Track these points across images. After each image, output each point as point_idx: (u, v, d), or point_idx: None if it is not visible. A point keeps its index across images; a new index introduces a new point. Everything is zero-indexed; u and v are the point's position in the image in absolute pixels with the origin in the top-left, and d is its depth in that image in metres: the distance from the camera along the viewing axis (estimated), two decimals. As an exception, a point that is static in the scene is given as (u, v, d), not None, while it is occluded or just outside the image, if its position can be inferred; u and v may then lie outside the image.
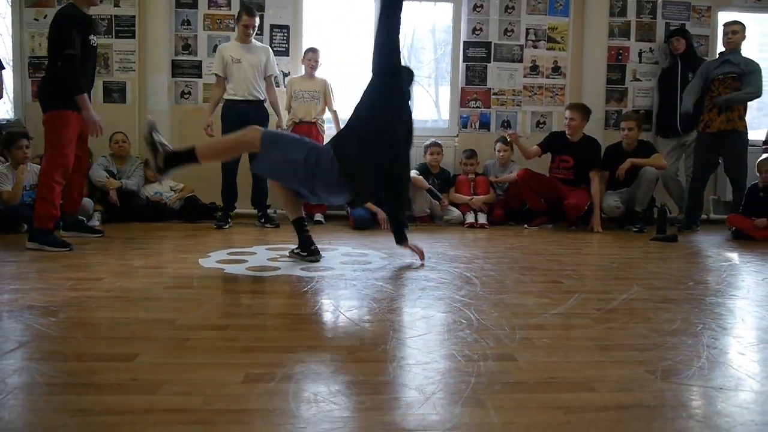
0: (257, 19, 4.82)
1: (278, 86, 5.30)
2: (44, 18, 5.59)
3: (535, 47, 5.96)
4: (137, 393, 1.32)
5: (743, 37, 4.88)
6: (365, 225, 4.85)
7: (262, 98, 4.82)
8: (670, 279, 2.86)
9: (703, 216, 5.44)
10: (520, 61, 5.95)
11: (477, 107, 5.95)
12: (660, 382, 1.43)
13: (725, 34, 4.94)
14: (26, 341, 1.71)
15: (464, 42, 5.89)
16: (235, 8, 5.49)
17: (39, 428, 1.16)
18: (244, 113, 4.59)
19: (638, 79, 6.03)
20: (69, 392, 1.33)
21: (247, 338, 1.78)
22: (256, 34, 5.00)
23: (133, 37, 5.63)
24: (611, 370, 1.52)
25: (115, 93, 5.68)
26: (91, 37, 3.80)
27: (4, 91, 5.07)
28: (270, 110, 4.94)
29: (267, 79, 4.89)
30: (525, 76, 5.96)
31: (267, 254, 3.38)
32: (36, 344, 1.68)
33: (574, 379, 1.45)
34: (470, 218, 5.14)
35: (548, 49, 5.97)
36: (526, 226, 5.17)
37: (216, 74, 4.82)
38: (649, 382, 1.44)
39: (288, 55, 5.68)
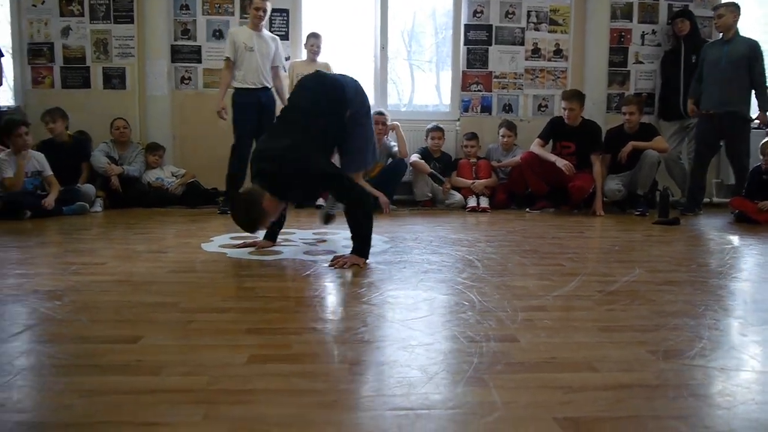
0: (269, 3, 4.78)
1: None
2: (42, 4, 5.57)
3: (537, 30, 5.92)
4: (142, 374, 1.34)
5: (731, 20, 4.77)
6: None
7: (270, 86, 4.80)
8: (672, 261, 2.86)
9: (706, 199, 5.42)
10: (522, 44, 5.91)
11: (478, 91, 5.93)
12: (661, 363, 1.44)
13: (713, 18, 4.93)
14: (32, 324, 1.73)
15: (465, 25, 5.85)
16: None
17: (47, 408, 1.17)
18: (256, 101, 4.63)
19: (641, 62, 5.99)
20: (75, 373, 1.34)
21: (250, 320, 1.79)
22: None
23: (132, 22, 5.60)
24: (612, 351, 1.53)
25: (114, 79, 5.66)
26: None
27: (3, 78, 5.08)
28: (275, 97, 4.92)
29: (273, 69, 4.86)
30: (526, 59, 5.93)
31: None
32: (42, 327, 1.70)
33: (575, 360, 1.46)
34: (472, 202, 5.14)
35: (550, 31, 5.92)
36: (528, 209, 5.17)
37: (227, 58, 4.77)
38: (651, 363, 1.45)
39: (288, 39, 5.65)
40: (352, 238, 2.67)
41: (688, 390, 1.29)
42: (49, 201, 4.34)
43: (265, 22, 4.84)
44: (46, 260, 2.78)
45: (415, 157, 5.24)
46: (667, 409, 1.19)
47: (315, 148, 2.69)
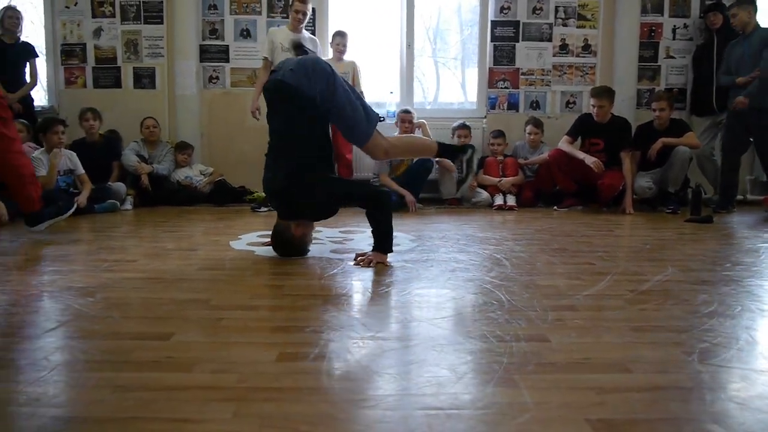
0: (309, 6, 4.85)
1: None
2: (75, 5, 5.67)
3: (565, 25, 5.84)
4: (173, 370, 1.35)
5: (746, 17, 4.79)
6: (393, 207, 4.82)
7: None
8: (705, 260, 2.80)
9: (740, 196, 5.30)
10: (549, 39, 5.85)
11: (505, 88, 5.88)
12: (697, 364, 1.41)
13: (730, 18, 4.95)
14: (66, 320, 1.76)
15: (492, 21, 5.81)
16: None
17: (80, 403, 1.19)
18: None
19: (672, 57, 5.88)
20: (108, 369, 1.36)
21: (279, 318, 1.80)
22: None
23: (162, 22, 5.68)
24: (646, 352, 1.50)
25: (144, 79, 5.75)
26: None
27: (37, 78, 5.20)
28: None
29: None
30: (554, 55, 5.86)
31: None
32: (75, 323, 1.73)
33: (607, 360, 1.44)
34: (499, 200, 5.10)
35: (578, 27, 5.85)
36: (555, 207, 5.11)
37: (265, 57, 4.83)
38: (686, 364, 1.41)
39: (315, 36, 5.65)
40: (372, 233, 2.68)
41: (725, 393, 1.26)
42: (82, 199, 4.44)
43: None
44: (79, 257, 2.83)
45: (441, 155, 5.21)
46: (704, 413, 1.16)
47: (313, 163, 2.64)
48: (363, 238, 3.32)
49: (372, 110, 2.81)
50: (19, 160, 3.26)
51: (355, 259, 2.64)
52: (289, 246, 2.76)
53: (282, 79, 2.61)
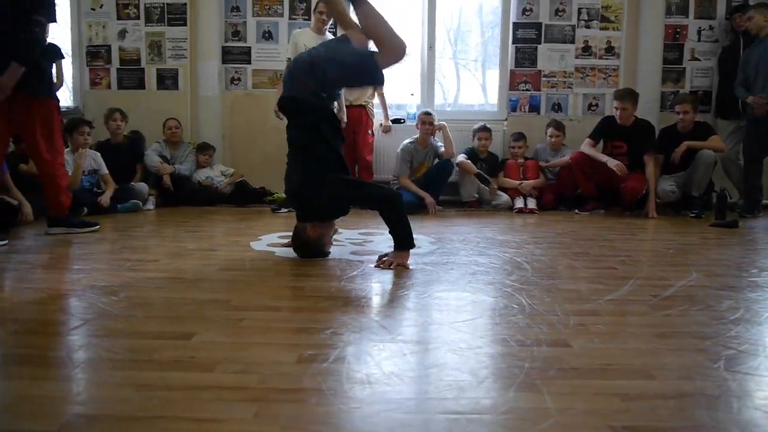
0: None
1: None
2: (100, 8, 5.76)
3: (588, 27, 5.78)
4: (195, 370, 1.36)
5: (762, 20, 4.76)
6: (413, 209, 4.83)
7: None
8: (730, 266, 2.75)
9: (765, 201, 5.20)
10: (572, 42, 5.79)
11: (527, 90, 5.84)
12: (723, 372, 1.38)
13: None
14: (90, 319, 1.78)
15: (513, 23, 5.77)
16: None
17: (104, 401, 1.20)
18: None
19: (697, 59, 5.79)
20: (131, 368, 1.38)
21: (300, 319, 1.81)
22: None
23: (185, 24, 5.73)
24: (670, 358, 1.48)
25: (167, 80, 5.81)
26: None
27: (63, 79, 5.28)
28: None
29: None
30: (577, 58, 5.80)
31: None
32: (99, 322, 1.75)
33: (631, 366, 1.42)
34: (519, 203, 5.06)
35: (601, 28, 5.78)
36: (577, 211, 5.06)
37: (288, 59, 4.87)
38: (712, 371, 1.39)
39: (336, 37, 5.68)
40: (390, 233, 2.70)
41: (752, 401, 1.24)
42: (105, 199, 4.50)
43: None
44: (102, 256, 2.87)
45: (461, 158, 5.19)
46: (731, 421, 1.14)
47: (325, 166, 2.69)
48: (383, 240, 3.31)
49: (363, 52, 2.74)
50: (60, 171, 3.50)
51: (377, 262, 2.65)
52: (307, 247, 2.79)
53: (286, 96, 2.78)
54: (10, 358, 1.46)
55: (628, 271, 2.56)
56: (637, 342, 1.61)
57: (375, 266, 2.59)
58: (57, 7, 3.43)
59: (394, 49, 2.70)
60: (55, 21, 3.43)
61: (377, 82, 2.80)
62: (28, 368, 1.38)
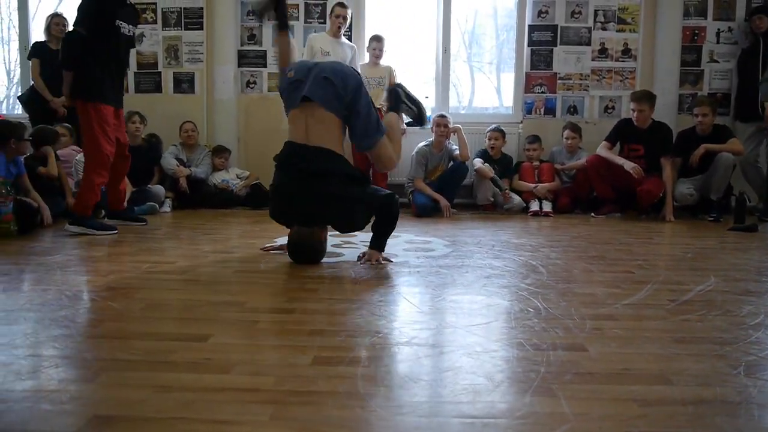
0: (349, 11, 4.94)
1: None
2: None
3: (604, 29, 5.75)
4: (211, 372, 1.37)
5: None
6: (428, 212, 4.83)
7: None
8: (750, 270, 2.71)
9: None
10: (588, 44, 5.76)
11: (542, 92, 5.81)
12: (743, 378, 1.36)
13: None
14: (107, 320, 1.80)
15: (529, 26, 5.75)
16: (298, -2, 5.62)
17: (121, 403, 1.21)
18: None
19: (715, 61, 5.73)
20: (148, 369, 1.38)
21: (314, 322, 1.81)
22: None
23: (202, 28, 5.79)
24: (689, 364, 1.46)
25: (184, 83, 5.86)
26: (121, 23, 3.69)
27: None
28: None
29: None
30: (593, 60, 5.77)
31: (330, 241, 3.40)
32: (116, 323, 1.77)
33: (648, 372, 1.40)
34: (534, 206, 5.04)
35: (618, 31, 5.75)
36: (593, 214, 5.02)
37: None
38: (732, 377, 1.37)
39: (351, 41, 5.69)
40: (372, 229, 2.79)
41: (773, 408, 1.22)
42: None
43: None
44: (119, 258, 2.89)
45: (478, 162, 5.18)
46: (753, 429, 1.12)
47: (329, 170, 2.72)
48: (396, 243, 3.31)
49: (381, 121, 2.93)
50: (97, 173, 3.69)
51: (361, 260, 2.76)
52: (313, 252, 2.77)
53: (306, 95, 2.78)
54: (28, 359, 1.47)
55: (646, 276, 2.54)
56: (654, 347, 1.59)
57: (361, 263, 2.72)
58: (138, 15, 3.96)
59: (390, 161, 2.95)
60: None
61: (365, 146, 2.89)
62: (45, 369, 1.39)
